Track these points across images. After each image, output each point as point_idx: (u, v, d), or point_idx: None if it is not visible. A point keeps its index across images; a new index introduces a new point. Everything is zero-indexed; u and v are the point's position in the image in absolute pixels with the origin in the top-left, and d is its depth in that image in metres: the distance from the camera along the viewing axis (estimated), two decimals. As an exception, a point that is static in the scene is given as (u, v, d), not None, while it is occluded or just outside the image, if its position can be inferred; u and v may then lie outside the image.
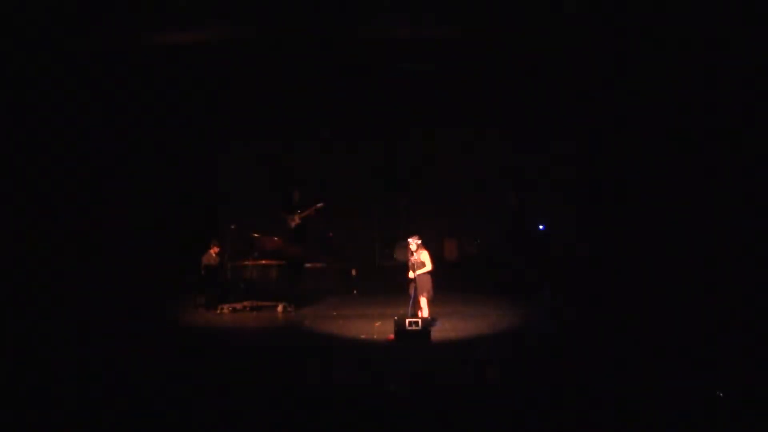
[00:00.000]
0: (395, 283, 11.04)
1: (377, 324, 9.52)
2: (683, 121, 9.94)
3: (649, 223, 10.89)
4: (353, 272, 12.89)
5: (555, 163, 13.50)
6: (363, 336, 8.97)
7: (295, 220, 13.01)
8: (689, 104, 9.73)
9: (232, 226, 11.28)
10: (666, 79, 10.11)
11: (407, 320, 8.52)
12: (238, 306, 10.83)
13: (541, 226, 13.65)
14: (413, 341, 8.38)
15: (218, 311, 10.73)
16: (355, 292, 12.64)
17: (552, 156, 13.50)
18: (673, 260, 10.11)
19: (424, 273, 9.10)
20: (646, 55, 10.12)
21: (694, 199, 9.73)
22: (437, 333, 8.84)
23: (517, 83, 12.00)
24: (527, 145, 13.71)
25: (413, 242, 9.15)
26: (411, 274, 9.12)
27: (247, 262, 11.00)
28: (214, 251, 11.45)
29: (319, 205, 12.94)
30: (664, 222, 10.45)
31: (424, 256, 9.15)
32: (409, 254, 9.16)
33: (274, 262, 11.12)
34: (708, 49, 9.08)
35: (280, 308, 10.81)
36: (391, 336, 8.58)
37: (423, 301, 9.10)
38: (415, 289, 9.01)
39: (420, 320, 8.57)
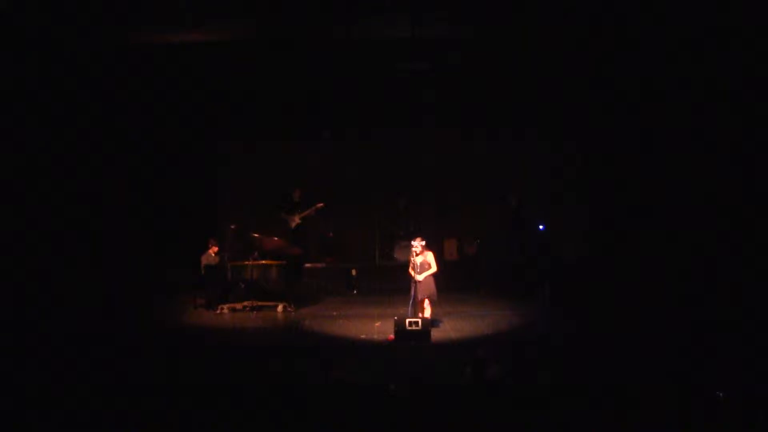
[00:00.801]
0: (395, 283, 11.03)
1: (377, 324, 9.51)
2: (684, 121, 9.93)
3: (650, 223, 10.88)
4: (353, 272, 12.87)
5: (555, 163, 13.50)
6: (363, 336, 8.97)
7: (295, 220, 13.00)
8: (689, 104, 9.72)
9: (232, 226, 11.26)
10: (666, 79, 10.11)
11: (407, 320, 8.52)
12: (238, 306, 10.82)
13: (541, 226, 13.63)
14: (413, 341, 8.38)
15: (218, 311, 10.72)
16: (355, 292, 12.63)
17: (552, 156, 13.50)
18: (674, 260, 10.10)
19: (429, 275, 9.08)
20: (646, 54, 10.12)
21: (695, 198, 9.73)
22: (437, 333, 8.85)
23: (517, 83, 11.99)
24: (527, 144, 13.71)
25: (418, 244, 9.10)
26: (412, 274, 9.10)
27: (247, 262, 10.99)
28: (213, 251, 11.44)
29: (319, 205, 12.93)
30: (665, 221, 10.45)
31: (429, 257, 9.11)
32: (413, 255, 9.13)
33: (274, 262, 11.10)
34: (708, 48, 9.08)
35: (280, 308, 10.81)
36: (391, 336, 8.58)
37: (427, 302, 9.08)
38: (416, 289, 8.99)
39: (420, 320, 8.57)
